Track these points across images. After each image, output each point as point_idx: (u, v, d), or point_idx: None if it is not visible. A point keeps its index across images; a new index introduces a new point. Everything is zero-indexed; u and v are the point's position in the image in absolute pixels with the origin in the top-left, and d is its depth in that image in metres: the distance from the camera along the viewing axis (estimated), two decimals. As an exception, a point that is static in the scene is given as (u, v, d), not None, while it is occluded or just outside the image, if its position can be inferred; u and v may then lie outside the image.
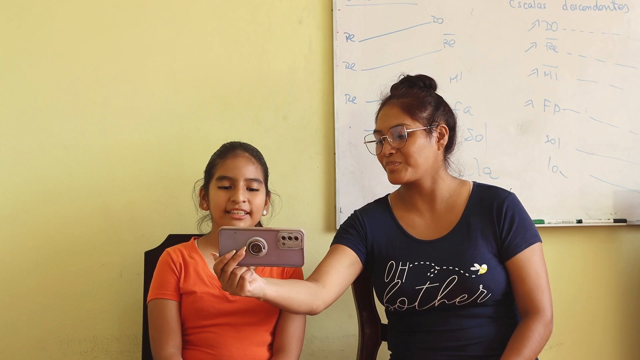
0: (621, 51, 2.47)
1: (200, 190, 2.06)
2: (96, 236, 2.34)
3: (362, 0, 2.41)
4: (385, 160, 1.99)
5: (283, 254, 1.59)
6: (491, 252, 1.93)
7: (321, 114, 2.42)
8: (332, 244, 2.03)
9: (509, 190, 2.02)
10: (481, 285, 1.89)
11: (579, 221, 2.45)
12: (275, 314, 1.97)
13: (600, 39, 2.47)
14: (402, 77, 2.08)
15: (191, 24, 2.39)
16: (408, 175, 1.96)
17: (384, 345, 2.17)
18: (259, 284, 1.66)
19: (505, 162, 2.44)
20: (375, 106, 2.40)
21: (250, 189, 1.96)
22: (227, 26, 2.40)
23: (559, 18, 2.46)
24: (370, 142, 2.06)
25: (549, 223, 2.43)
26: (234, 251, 1.59)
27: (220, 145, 2.07)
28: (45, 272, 2.32)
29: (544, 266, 1.94)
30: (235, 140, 2.07)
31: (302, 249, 1.59)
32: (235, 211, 1.93)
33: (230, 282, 1.62)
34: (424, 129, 1.96)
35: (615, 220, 2.46)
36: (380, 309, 2.18)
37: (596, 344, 2.49)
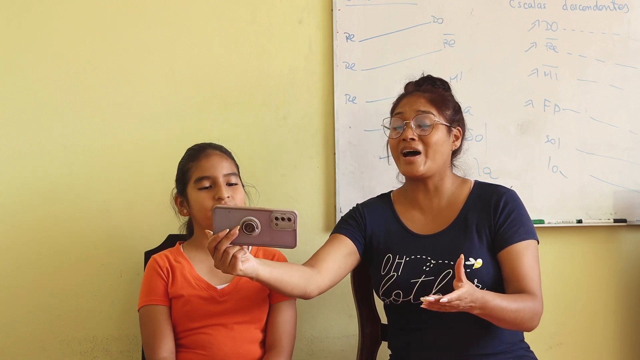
0: (621, 51, 2.47)
1: (176, 198, 2.05)
2: (96, 236, 2.34)
3: (362, 0, 2.41)
4: (403, 145, 1.96)
5: (276, 235, 1.60)
6: (486, 247, 1.93)
7: (321, 114, 2.42)
8: (332, 233, 2.04)
9: (509, 187, 2.03)
10: (476, 280, 1.88)
11: (579, 221, 2.45)
12: (265, 311, 1.98)
13: (600, 39, 2.47)
14: (424, 75, 2.09)
15: (191, 24, 2.39)
16: (425, 168, 1.95)
17: (384, 345, 2.17)
18: (251, 264, 1.67)
19: (505, 162, 2.44)
20: (376, 105, 2.40)
21: (229, 184, 1.97)
22: (227, 26, 2.40)
23: (559, 18, 2.46)
24: (386, 127, 2.04)
25: (549, 223, 2.43)
26: (228, 230, 1.60)
27: (186, 150, 2.06)
28: (45, 272, 2.32)
29: (537, 264, 1.92)
30: (200, 142, 2.07)
31: (294, 230, 1.59)
32: None
33: (222, 260, 1.63)
34: (446, 125, 1.97)
35: (615, 220, 2.46)
36: (380, 308, 2.18)
37: (596, 344, 2.49)
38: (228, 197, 1.94)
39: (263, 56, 2.41)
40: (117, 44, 2.37)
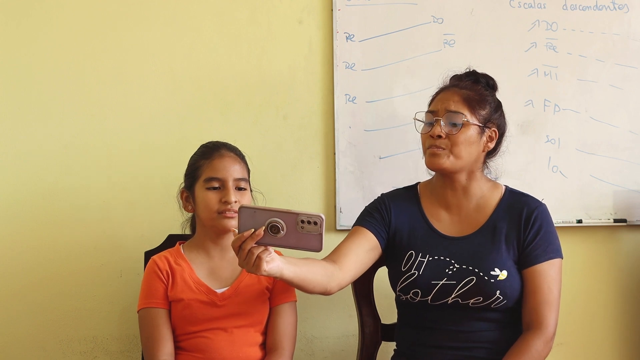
0: (621, 51, 2.47)
1: (182, 192, 2.04)
2: (96, 236, 2.34)
3: (362, 0, 2.41)
4: (430, 142, 1.93)
5: (302, 237, 1.58)
6: (512, 259, 1.92)
7: (321, 114, 2.42)
8: (355, 225, 2.01)
9: (540, 200, 2.01)
10: (498, 291, 1.88)
11: (579, 221, 2.45)
12: (265, 314, 1.97)
13: (600, 39, 2.47)
14: (468, 70, 2.05)
15: (191, 24, 2.39)
16: (448, 163, 1.92)
17: (384, 345, 2.17)
18: (276, 264, 1.65)
19: (505, 162, 2.43)
20: (376, 105, 2.40)
21: (238, 189, 1.95)
22: (227, 26, 2.40)
23: (559, 18, 2.46)
24: (419, 120, 2.00)
25: (549, 223, 2.43)
26: (253, 230, 1.59)
27: (200, 146, 2.05)
28: (45, 272, 2.32)
29: (558, 283, 1.92)
30: (216, 140, 2.06)
31: (320, 234, 1.58)
32: (227, 211, 1.92)
33: (247, 260, 1.61)
34: (478, 126, 1.93)
35: (615, 220, 2.46)
36: (380, 308, 2.18)
37: (596, 344, 2.49)
38: (235, 201, 1.92)
39: (263, 56, 2.41)
40: (117, 44, 2.37)
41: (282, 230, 1.58)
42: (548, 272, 1.91)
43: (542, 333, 1.87)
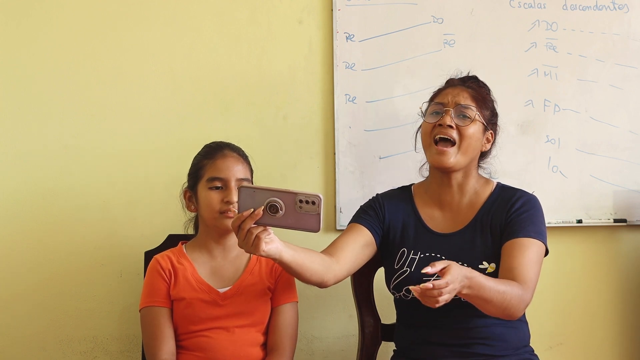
0: (621, 51, 2.47)
1: (185, 192, 2.04)
2: (96, 236, 2.34)
3: (362, 0, 2.41)
4: (438, 131, 1.94)
5: (300, 218, 1.59)
6: (500, 250, 1.92)
7: (321, 114, 2.42)
8: (350, 222, 2.03)
9: (531, 193, 2.02)
10: None
11: (579, 221, 2.45)
12: (267, 314, 1.97)
13: (600, 39, 2.47)
14: (470, 74, 2.09)
15: (191, 24, 2.39)
16: (455, 160, 1.93)
17: (383, 345, 2.17)
18: (275, 246, 1.67)
19: (505, 162, 2.43)
20: (376, 105, 2.40)
21: None
22: (227, 26, 2.40)
23: (559, 18, 2.46)
24: (422, 111, 2.02)
25: (549, 223, 2.42)
26: (252, 210, 1.60)
27: (203, 146, 2.05)
28: (46, 272, 2.32)
29: (537, 265, 1.88)
30: (219, 140, 2.06)
31: (319, 214, 1.59)
32: (229, 211, 1.92)
33: (246, 240, 1.63)
34: (483, 124, 1.97)
35: (615, 220, 2.46)
36: (380, 308, 2.18)
37: (596, 344, 2.49)
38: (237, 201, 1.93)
39: (263, 56, 2.41)
40: (117, 44, 2.37)
41: (281, 210, 1.59)
42: (527, 247, 1.87)
43: (521, 286, 1.79)
